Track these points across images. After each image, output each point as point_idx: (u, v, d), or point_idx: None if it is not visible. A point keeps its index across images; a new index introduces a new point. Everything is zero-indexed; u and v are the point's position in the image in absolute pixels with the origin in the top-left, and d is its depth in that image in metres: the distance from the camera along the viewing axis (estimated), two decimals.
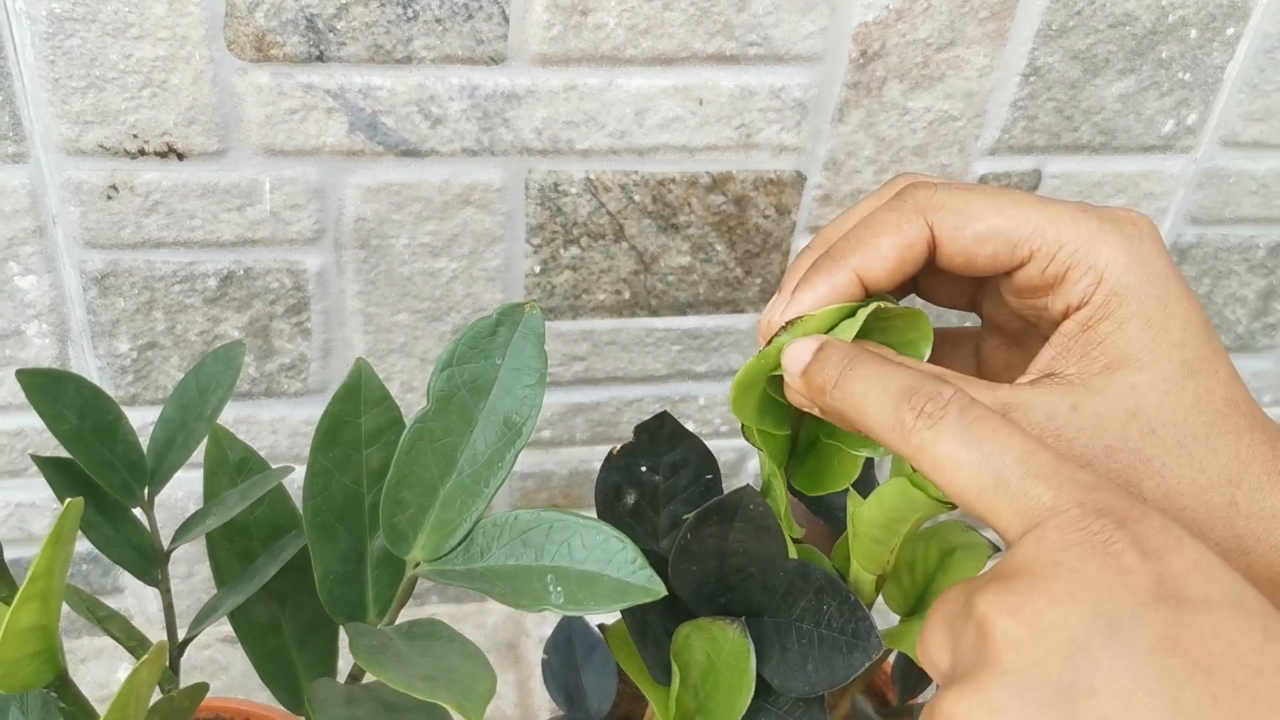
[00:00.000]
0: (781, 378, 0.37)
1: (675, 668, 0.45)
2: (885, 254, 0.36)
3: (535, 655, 0.79)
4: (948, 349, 0.43)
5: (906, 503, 0.37)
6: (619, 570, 0.39)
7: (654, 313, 0.68)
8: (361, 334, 0.65)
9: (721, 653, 0.44)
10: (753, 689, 0.43)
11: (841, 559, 0.44)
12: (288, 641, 0.47)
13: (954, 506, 0.36)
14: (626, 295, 0.67)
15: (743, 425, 0.41)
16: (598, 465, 0.75)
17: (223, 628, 0.78)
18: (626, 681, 0.60)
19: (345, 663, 0.48)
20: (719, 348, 0.71)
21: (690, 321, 0.69)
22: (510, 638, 0.80)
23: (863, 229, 0.37)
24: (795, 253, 0.68)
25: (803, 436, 0.42)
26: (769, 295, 0.69)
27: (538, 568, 0.40)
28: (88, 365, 0.63)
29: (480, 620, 0.80)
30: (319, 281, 0.63)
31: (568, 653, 0.55)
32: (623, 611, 0.45)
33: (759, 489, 0.43)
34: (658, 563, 0.43)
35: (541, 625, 0.81)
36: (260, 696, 0.69)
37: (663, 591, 0.38)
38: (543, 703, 0.76)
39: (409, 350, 0.66)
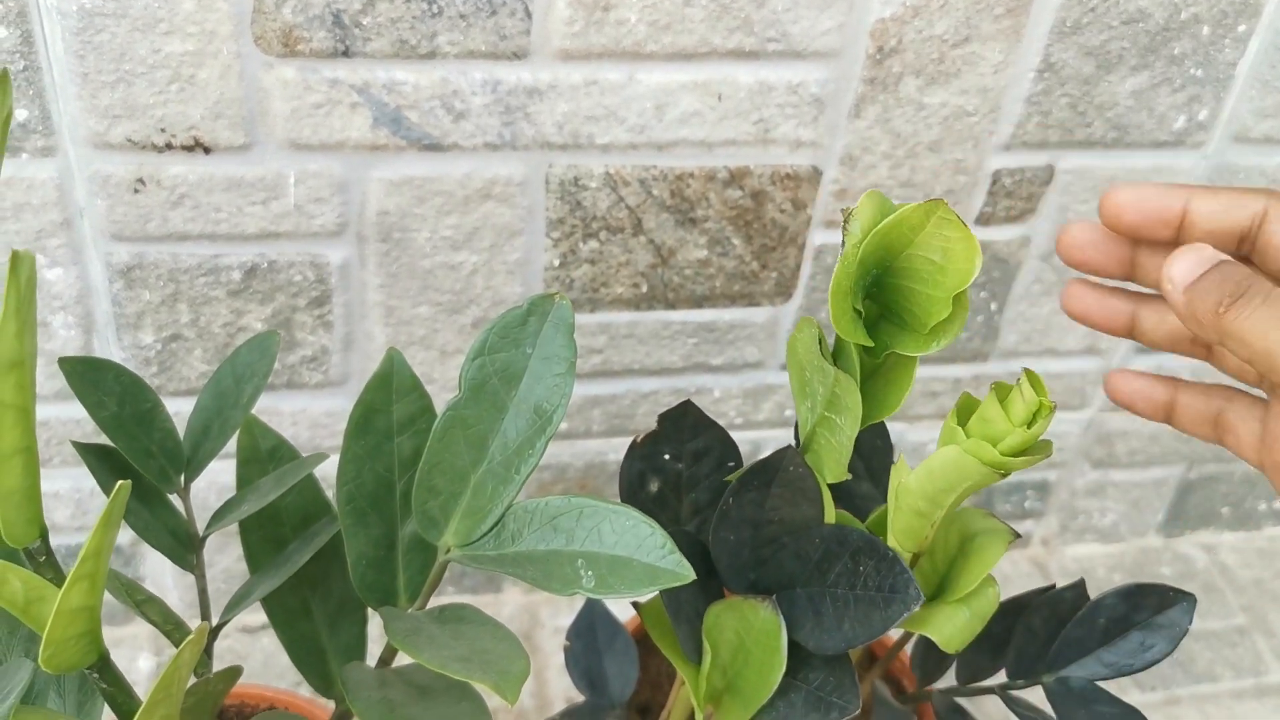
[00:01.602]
0: (862, 282, 0.38)
1: (707, 646, 0.46)
2: (1219, 194, 0.38)
3: (551, 646, 0.80)
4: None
5: (958, 471, 0.38)
6: (648, 555, 0.40)
7: (671, 306, 0.69)
8: (382, 326, 0.66)
9: (752, 631, 0.45)
10: (783, 667, 0.44)
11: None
12: (318, 626, 0.48)
13: (1007, 474, 0.37)
14: (644, 289, 0.68)
15: (811, 360, 0.41)
16: (614, 457, 0.76)
17: (241, 618, 0.78)
18: (647, 669, 0.61)
19: (374, 649, 0.48)
20: (734, 341, 0.72)
21: (706, 315, 0.70)
22: (525, 629, 0.81)
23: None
24: (811, 248, 0.68)
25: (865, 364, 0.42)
26: (784, 289, 0.70)
27: (568, 553, 0.41)
28: (112, 357, 0.64)
29: (495, 611, 0.81)
30: (341, 274, 0.63)
31: (590, 639, 0.56)
32: (659, 592, 0.46)
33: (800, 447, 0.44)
34: (686, 543, 0.43)
35: (557, 617, 0.81)
36: (279, 685, 0.70)
37: (692, 576, 0.39)
38: (558, 692, 0.77)
39: (429, 343, 0.67)
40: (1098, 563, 0.90)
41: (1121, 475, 0.87)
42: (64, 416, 0.66)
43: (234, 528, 0.70)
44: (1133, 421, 0.83)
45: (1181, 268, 0.37)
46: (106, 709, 0.44)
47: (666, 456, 0.50)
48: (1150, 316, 0.45)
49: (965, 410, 0.39)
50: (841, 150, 0.64)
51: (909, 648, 0.55)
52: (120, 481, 0.31)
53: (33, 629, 0.36)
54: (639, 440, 0.49)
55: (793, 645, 0.45)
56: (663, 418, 0.49)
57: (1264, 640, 0.85)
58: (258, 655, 0.77)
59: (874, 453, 0.53)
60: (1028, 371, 0.38)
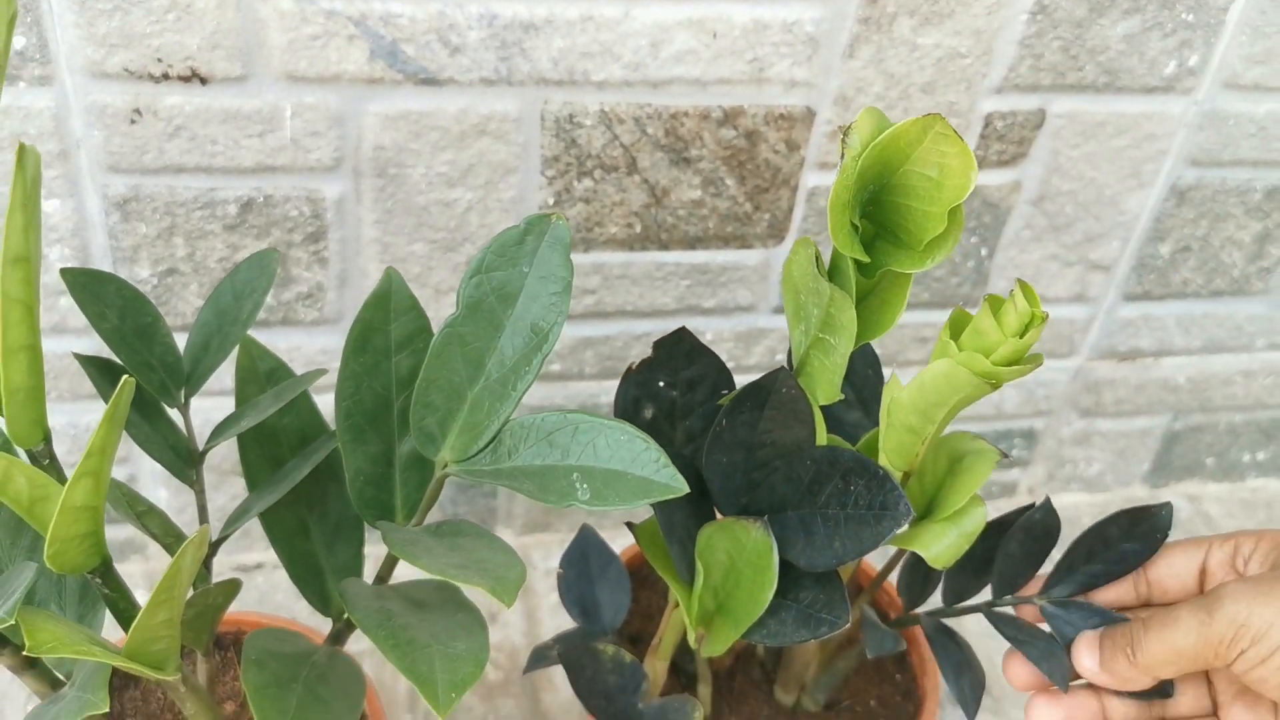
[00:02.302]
0: (859, 198, 0.39)
1: (699, 566, 0.46)
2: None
3: (543, 587, 0.80)
4: None
5: (949, 384, 0.38)
6: (643, 469, 0.40)
7: (664, 247, 0.70)
8: (377, 264, 0.66)
9: (744, 552, 0.45)
10: (774, 587, 0.44)
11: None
12: (316, 546, 0.48)
13: (998, 385, 0.38)
14: (638, 229, 0.68)
15: (810, 282, 0.41)
16: (606, 400, 0.76)
17: (233, 557, 0.79)
18: (638, 602, 0.62)
19: (370, 571, 0.49)
20: (726, 283, 0.72)
21: (699, 256, 0.71)
22: None
23: None
24: (804, 190, 0.69)
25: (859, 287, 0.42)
26: (777, 232, 0.70)
27: (564, 467, 0.41)
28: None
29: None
30: (337, 210, 0.64)
31: (583, 567, 0.56)
32: (652, 509, 0.47)
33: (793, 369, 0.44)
34: (680, 466, 0.44)
35: (549, 559, 0.82)
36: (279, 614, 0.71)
37: (685, 489, 0.40)
38: (551, 631, 0.77)
39: (424, 280, 0.68)
40: (1083, 512, 0.91)
41: (1108, 424, 0.88)
42: (60, 350, 0.66)
43: (234, 467, 0.70)
44: (1120, 370, 0.84)
45: (1087, 660, 0.46)
46: (108, 618, 0.44)
47: (661, 384, 0.50)
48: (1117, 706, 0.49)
49: (958, 324, 0.40)
50: (835, 91, 0.65)
51: (895, 576, 0.55)
52: (124, 378, 0.32)
53: (37, 530, 0.36)
54: (634, 366, 0.50)
55: (784, 565, 0.45)
56: (658, 345, 0.50)
57: None
58: (253, 594, 0.78)
59: (865, 382, 0.53)
60: (1020, 282, 0.38)
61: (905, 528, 0.42)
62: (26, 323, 0.33)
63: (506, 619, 0.78)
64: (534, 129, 0.63)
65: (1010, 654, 0.49)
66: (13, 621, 0.34)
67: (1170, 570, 0.48)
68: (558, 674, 0.75)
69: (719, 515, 0.48)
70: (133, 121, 0.58)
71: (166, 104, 0.58)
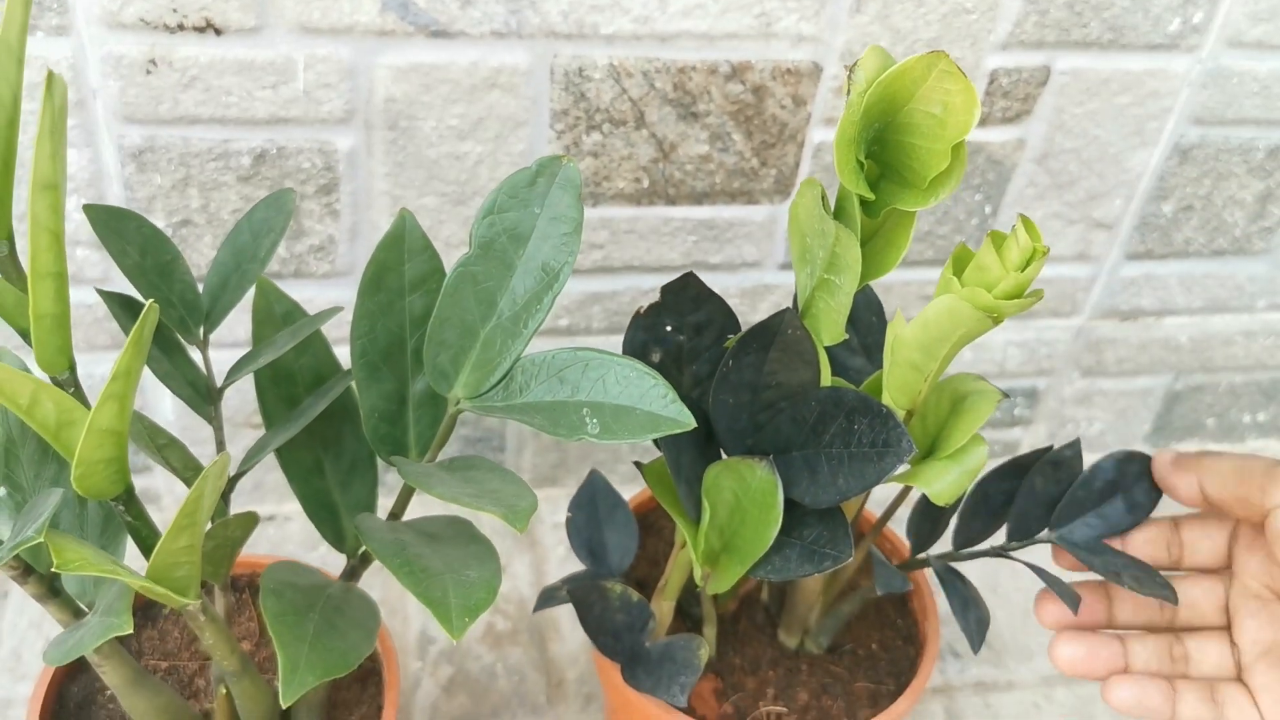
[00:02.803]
0: (865, 136, 0.39)
1: (706, 504, 0.47)
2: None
3: (550, 540, 0.82)
4: None
5: (951, 319, 0.39)
6: (651, 404, 0.41)
7: (671, 202, 0.70)
8: (388, 216, 0.67)
9: (749, 490, 0.46)
10: (779, 524, 0.46)
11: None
12: (330, 484, 0.49)
13: (1000, 320, 0.39)
14: (645, 184, 0.69)
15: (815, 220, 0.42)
16: None
17: (251, 507, 0.80)
18: (645, 548, 0.63)
19: (382, 514, 0.50)
20: (733, 239, 0.73)
21: (706, 212, 0.71)
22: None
23: None
24: (810, 145, 0.70)
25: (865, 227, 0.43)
26: (783, 188, 0.71)
27: (574, 403, 0.42)
28: None
29: None
30: (349, 162, 0.65)
31: (591, 511, 0.57)
32: (660, 449, 0.48)
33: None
34: (687, 406, 0.45)
35: (556, 513, 0.83)
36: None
37: (693, 423, 0.41)
38: None
39: (434, 234, 0.68)
40: None
41: (1109, 384, 0.88)
42: (74, 300, 0.67)
43: (246, 419, 0.71)
44: (1122, 329, 0.85)
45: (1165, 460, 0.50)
46: (129, 552, 0.45)
47: (668, 328, 0.51)
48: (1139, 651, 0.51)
49: (961, 261, 0.41)
50: (842, 46, 0.65)
51: (901, 528, 0.57)
52: (149, 301, 0.32)
53: (63, 455, 0.37)
54: (642, 311, 0.51)
55: (788, 504, 0.46)
56: (665, 289, 0.51)
57: None
58: (264, 546, 0.79)
59: (870, 329, 0.54)
60: (1022, 217, 0.39)
61: (907, 466, 0.43)
62: (54, 250, 0.34)
63: (515, 571, 0.80)
64: (543, 82, 0.64)
65: (1043, 594, 0.50)
66: (41, 539, 0.35)
67: (1204, 533, 0.49)
68: (565, 624, 0.76)
69: (725, 457, 0.49)
70: (148, 72, 0.59)
71: (181, 55, 0.59)
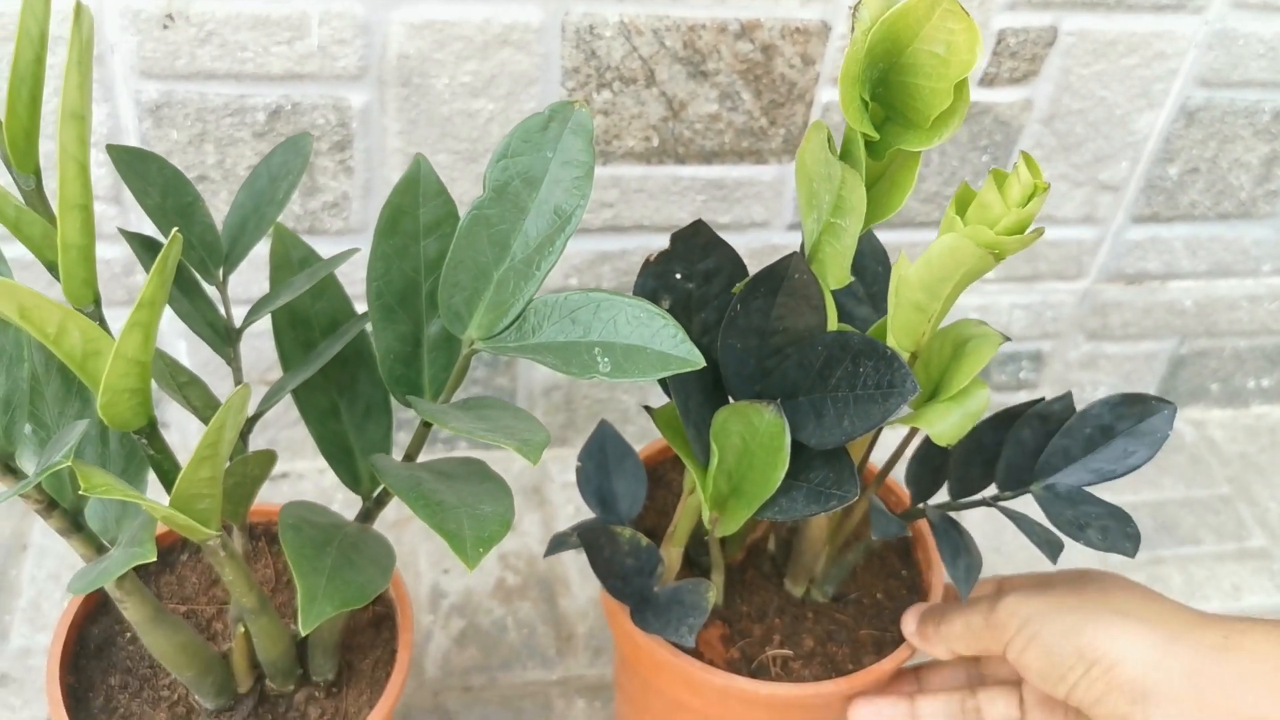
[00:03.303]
0: (869, 76, 0.40)
1: (714, 447, 0.48)
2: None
3: (559, 499, 0.83)
4: None
5: (954, 257, 0.40)
6: (662, 344, 0.42)
7: (681, 161, 0.71)
8: (400, 173, 0.68)
9: (756, 434, 0.47)
10: (786, 466, 0.46)
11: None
12: (346, 426, 0.50)
13: (1001, 257, 0.40)
14: (655, 142, 0.70)
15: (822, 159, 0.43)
16: None
17: None
18: (653, 498, 0.64)
19: (397, 455, 0.51)
20: (741, 199, 0.74)
21: (715, 171, 0.72)
22: (535, 482, 0.84)
23: None
24: (819, 105, 0.70)
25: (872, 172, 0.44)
26: (791, 147, 0.72)
27: (585, 342, 0.43)
28: None
29: (505, 467, 0.84)
30: (362, 119, 0.65)
31: (600, 460, 0.58)
32: (669, 395, 0.49)
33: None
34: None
35: (565, 472, 0.84)
36: None
37: (702, 362, 0.41)
38: None
39: None
40: None
41: (1115, 348, 0.89)
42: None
43: (261, 376, 0.72)
44: (1127, 293, 0.86)
45: (909, 625, 0.55)
46: (151, 485, 0.47)
47: (678, 275, 0.52)
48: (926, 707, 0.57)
49: (963, 200, 0.42)
50: (850, 4, 0.66)
51: (902, 472, 0.57)
52: (173, 230, 0.33)
53: (88, 385, 0.38)
54: (652, 258, 0.51)
55: (795, 446, 0.47)
56: (675, 237, 0.51)
57: (1247, 508, 0.89)
58: (276, 499, 0.80)
59: (875, 278, 0.55)
60: (1024, 154, 0.40)
61: (909, 410, 0.44)
62: (80, 180, 0.35)
63: (524, 528, 0.81)
64: (555, 39, 0.64)
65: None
66: (68, 463, 0.36)
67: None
68: (574, 579, 0.77)
69: (731, 402, 0.50)
70: (165, 27, 0.60)
71: (198, 9, 0.60)
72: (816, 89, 0.69)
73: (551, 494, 0.83)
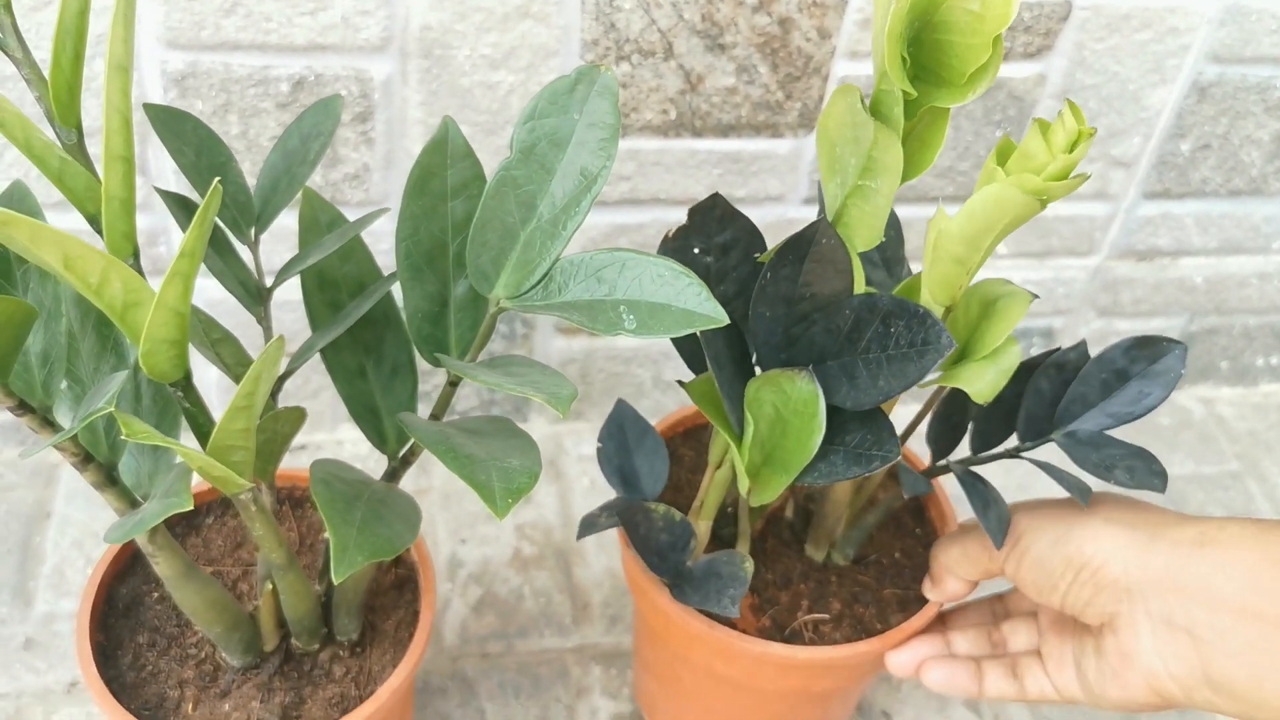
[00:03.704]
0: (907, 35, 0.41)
1: (749, 418, 0.49)
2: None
3: (575, 471, 0.84)
4: None
5: (998, 206, 0.41)
6: (687, 301, 0.43)
7: (698, 134, 0.72)
8: (421, 145, 0.69)
9: (790, 402, 0.48)
10: (822, 432, 0.47)
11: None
12: (373, 386, 0.51)
13: (1046, 203, 0.40)
14: (673, 115, 0.70)
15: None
16: None
17: None
18: (670, 475, 0.65)
19: (422, 414, 0.52)
20: (758, 172, 0.74)
21: (732, 144, 0.73)
22: (551, 455, 0.85)
23: None
24: (835, 78, 0.71)
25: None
26: (807, 121, 0.73)
27: (611, 300, 0.44)
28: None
29: None
30: (384, 90, 0.66)
31: (620, 439, 0.59)
32: (690, 365, 0.49)
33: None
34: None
35: (581, 444, 0.85)
36: None
37: (726, 319, 0.42)
38: (582, 512, 0.81)
39: None
40: None
41: (1125, 324, 0.90)
42: None
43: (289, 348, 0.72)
44: (1138, 269, 0.86)
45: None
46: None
47: (696, 250, 0.53)
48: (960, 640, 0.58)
49: (1004, 152, 0.42)
50: None
51: (922, 433, 0.58)
52: (215, 181, 0.34)
53: (128, 336, 0.39)
54: (670, 234, 0.52)
55: (829, 411, 0.48)
56: (692, 211, 0.52)
57: (1256, 484, 0.89)
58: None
59: (888, 243, 0.56)
60: (1069, 101, 0.40)
61: (939, 372, 0.44)
62: (123, 133, 0.36)
63: (540, 500, 0.82)
64: (574, 12, 0.65)
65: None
66: (111, 409, 0.36)
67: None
68: (589, 550, 0.78)
69: (758, 372, 0.51)
70: None
71: None
72: (833, 62, 0.70)
73: (567, 467, 0.84)
